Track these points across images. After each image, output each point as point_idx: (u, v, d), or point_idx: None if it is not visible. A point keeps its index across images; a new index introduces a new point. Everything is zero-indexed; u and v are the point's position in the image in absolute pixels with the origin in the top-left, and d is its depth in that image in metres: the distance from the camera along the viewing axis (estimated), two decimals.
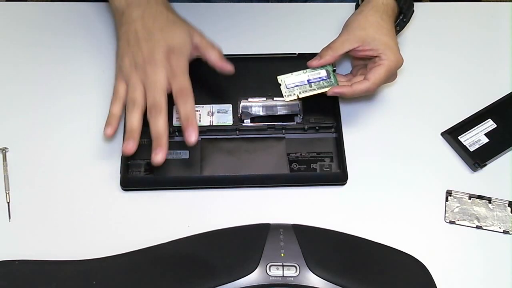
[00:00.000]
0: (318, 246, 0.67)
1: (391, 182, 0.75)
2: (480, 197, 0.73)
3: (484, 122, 0.78)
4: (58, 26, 0.86)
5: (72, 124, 0.78)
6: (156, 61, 0.69)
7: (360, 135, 0.78)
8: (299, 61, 0.79)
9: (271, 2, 0.92)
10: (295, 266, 0.65)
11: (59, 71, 0.82)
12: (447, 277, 0.68)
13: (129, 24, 0.72)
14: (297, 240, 0.66)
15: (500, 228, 0.72)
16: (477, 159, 0.75)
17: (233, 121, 0.77)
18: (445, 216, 0.72)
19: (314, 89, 0.75)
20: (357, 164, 0.75)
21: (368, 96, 0.79)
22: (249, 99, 0.78)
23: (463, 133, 0.77)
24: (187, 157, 0.74)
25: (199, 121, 0.76)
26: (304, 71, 0.77)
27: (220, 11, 0.88)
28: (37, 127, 0.77)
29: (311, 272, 0.64)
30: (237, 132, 0.76)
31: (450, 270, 0.69)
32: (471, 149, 0.76)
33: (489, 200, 0.73)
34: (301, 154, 0.75)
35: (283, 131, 0.76)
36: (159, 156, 0.66)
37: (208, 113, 0.77)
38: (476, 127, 0.78)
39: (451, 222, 0.72)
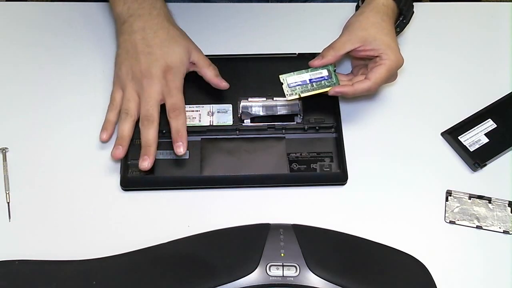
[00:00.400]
0: (318, 246, 0.67)
1: (391, 182, 0.75)
2: (480, 197, 0.73)
3: (484, 122, 0.78)
4: (58, 26, 0.86)
5: (72, 124, 0.78)
6: (153, 76, 0.73)
7: (360, 135, 0.78)
8: (299, 61, 0.79)
9: (271, 2, 0.92)
10: (295, 266, 0.65)
11: (59, 71, 0.82)
12: (447, 277, 0.68)
13: (129, 34, 0.75)
14: (297, 240, 0.66)
15: (500, 228, 0.72)
16: (477, 159, 0.75)
17: (233, 121, 0.77)
18: (445, 216, 0.72)
19: (316, 89, 0.75)
20: (357, 164, 0.75)
21: (368, 96, 0.79)
22: (249, 99, 0.78)
23: (463, 133, 0.77)
24: (187, 157, 0.74)
25: (199, 121, 0.76)
26: (306, 70, 0.77)
27: (220, 11, 0.88)
28: (37, 127, 0.78)
29: (311, 272, 0.64)
30: (237, 132, 0.76)
31: (450, 270, 0.69)
32: (471, 149, 0.76)
33: (489, 200, 0.73)
34: (301, 154, 0.75)
35: (283, 131, 0.76)
36: (145, 163, 0.70)
37: (208, 113, 0.77)
38: (476, 127, 0.78)
39: (451, 222, 0.72)
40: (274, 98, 0.78)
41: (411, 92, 0.82)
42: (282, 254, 0.65)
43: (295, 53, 0.82)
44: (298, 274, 0.64)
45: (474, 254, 0.70)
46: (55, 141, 0.76)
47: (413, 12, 0.81)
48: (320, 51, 0.78)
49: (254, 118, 0.77)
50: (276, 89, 0.77)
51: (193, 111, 0.77)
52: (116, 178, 0.73)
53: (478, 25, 0.88)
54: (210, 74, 0.77)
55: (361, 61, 0.78)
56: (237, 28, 0.86)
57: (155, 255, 0.66)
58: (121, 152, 0.72)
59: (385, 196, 0.74)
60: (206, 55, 0.79)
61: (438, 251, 0.70)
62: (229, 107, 0.78)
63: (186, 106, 0.76)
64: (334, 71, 0.77)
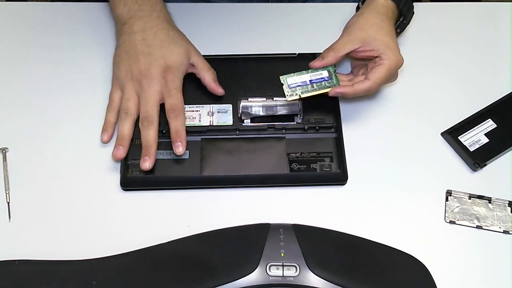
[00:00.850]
0: (318, 246, 0.67)
1: (391, 182, 0.75)
2: (480, 197, 0.73)
3: (484, 122, 0.78)
4: (58, 26, 0.86)
5: (72, 124, 0.78)
6: (152, 76, 0.73)
7: (360, 135, 0.78)
8: (299, 61, 0.79)
9: (271, 2, 0.92)
10: (295, 266, 0.65)
11: (59, 72, 0.82)
12: (447, 277, 0.68)
13: (129, 35, 0.75)
14: (297, 240, 0.66)
15: (500, 228, 0.72)
16: (477, 159, 0.75)
17: (233, 121, 0.77)
18: (445, 216, 0.72)
19: (316, 89, 0.75)
20: (357, 164, 0.75)
21: (368, 95, 0.79)
22: (249, 99, 0.78)
23: (463, 133, 0.77)
24: (187, 157, 0.74)
25: (199, 121, 0.76)
26: (306, 71, 0.77)
27: (220, 11, 0.88)
28: (37, 127, 0.78)
29: (311, 272, 0.64)
30: (237, 132, 0.76)
31: (450, 270, 0.69)
32: (471, 149, 0.76)
33: (489, 200, 0.73)
34: (301, 154, 0.75)
35: (283, 131, 0.76)
36: (146, 163, 0.71)
37: (208, 113, 0.77)
38: (476, 127, 0.78)
39: (451, 222, 0.72)
40: (274, 98, 0.78)
41: (411, 92, 0.82)
42: (282, 254, 0.65)
43: (295, 53, 0.82)
44: (298, 274, 0.64)
45: (474, 254, 0.70)
46: (55, 141, 0.76)
47: (413, 12, 0.81)
48: (320, 51, 0.78)
49: (254, 118, 0.77)
50: (276, 89, 0.77)
51: (193, 111, 0.77)
52: (116, 178, 0.73)
53: (478, 25, 0.88)
54: (209, 78, 0.77)
55: (361, 61, 0.78)
56: (237, 28, 0.86)
57: (155, 255, 0.66)
58: (122, 152, 0.72)
59: (385, 196, 0.74)
60: (206, 55, 0.79)
61: (438, 251, 0.70)
62: (229, 107, 0.78)
63: (186, 106, 0.77)
64: (335, 72, 0.77)
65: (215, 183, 0.74)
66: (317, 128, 0.77)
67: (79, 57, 0.83)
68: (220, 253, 0.66)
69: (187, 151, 0.74)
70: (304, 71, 0.77)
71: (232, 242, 0.67)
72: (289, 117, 0.77)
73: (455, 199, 0.73)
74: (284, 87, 0.76)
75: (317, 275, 0.64)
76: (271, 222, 0.68)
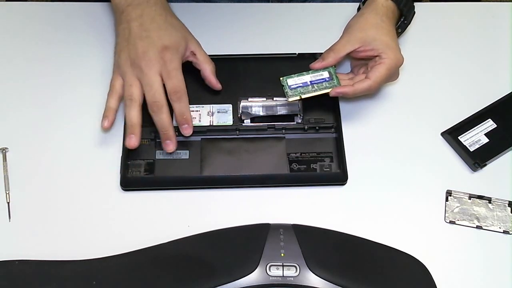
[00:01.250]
0: (318, 246, 0.67)
1: (391, 182, 0.75)
2: (480, 197, 0.73)
3: (484, 122, 0.78)
4: (58, 26, 0.86)
5: (72, 124, 0.78)
6: (151, 58, 0.72)
7: (360, 135, 0.78)
8: (299, 61, 0.79)
9: (271, 2, 0.92)
10: (295, 266, 0.65)
11: (59, 72, 0.82)
12: (447, 277, 0.68)
13: (127, 22, 0.75)
14: (297, 240, 0.66)
15: (500, 228, 0.72)
16: (477, 159, 0.75)
17: (233, 121, 0.77)
18: (445, 216, 0.72)
19: (317, 90, 0.76)
20: (357, 164, 0.75)
21: (368, 95, 0.79)
22: (249, 99, 0.78)
23: (463, 133, 0.77)
24: (187, 157, 0.74)
25: (199, 121, 0.76)
26: (307, 72, 0.77)
27: (220, 11, 0.88)
28: (37, 127, 0.78)
29: (311, 272, 0.64)
30: (237, 132, 0.76)
31: (450, 270, 0.69)
32: (471, 149, 0.76)
33: (489, 200, 0.73)
34: (301, 154, 0.75)
35: (283, 131, 0.76)
36: (170, 146, 0.73)
37: (208, 113, 0.77)
38: (476, 127, 0.78)
39: (451, 222, 0.72)
40: (274, 98, 0.78)
41: (411, 92, 0.82)
42: (282, 254, 0.65)
43: (295, 53, 0.82)
44: (298, 274, 0.64)
45: (474, 254, 0.70)
46: (55, 141, 0.76)
47: (414, 12, 0.81)
48: (320, 51, 0.78)
49: (254, 118, 0.77)
50: (276, 89, 0.77)
51: (193, 111, 0.77)
52: (116, 178, 0.73)
53: (478, 25, 0.88)
54: (209, 70, 0.77)
55: (360, 61, 0.78)
56: (237, 28, 0.86)
57: (155, 255, 0.66)
58: (135, 140, 0.72)
59: (385, 196, 0.74)
60: None
61: (438, 251, 0.70)
62: (229, 107, 0.78)
63: None
64: (335, 72, 0.77)
65: (215, 183, 0.74)
66: (317, 128, 0.77)
67: (79, 57, 0.83)
68: (220, 253, 0.66)
69: (187, 151, 0.74)
70: (304, 72, 0.77)
71: (232, 242, 0.67)
72: (289, 117, 0.77)
73: (455, 199, 0.73)
74: (285, 88, 0.76)
75: (317, 275, 0.64)
76: (271, 222, 0.68)
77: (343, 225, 0.70)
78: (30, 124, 0.78)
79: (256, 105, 0.78)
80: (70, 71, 0.82)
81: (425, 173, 0.75)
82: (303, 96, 0.75)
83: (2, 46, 0.84)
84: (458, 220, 0.72)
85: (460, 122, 0.78)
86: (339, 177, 0.74)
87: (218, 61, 0.79)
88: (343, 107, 0.79)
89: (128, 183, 0.73)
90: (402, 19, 0.80)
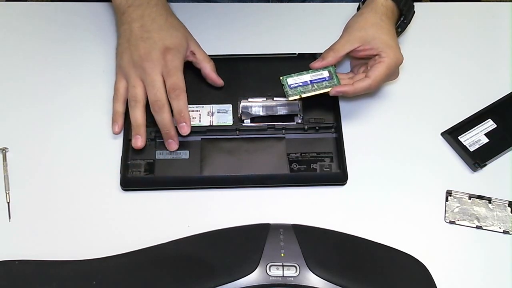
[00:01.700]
0: (318, 246, 0.67)
1: (391, 182, 0.75)
2: (480, 197, 0.73)
3: (484, 122, 0.78)
4: (58, 27, 0.86)
5: (72, 124, 0.78)
6: (153, 59, 0.73)
7: (360, 135, 0.78)
8: (299, 61, 0.79)
9: (271, 2, 0.92)
10: (295, 266, 0.65)
11: (59, 72, 0.82)
12: (447, 277, 0.68)
13: (128, 23, 0.76)
14: (297, 240, 0.66)
15: (500, 228, 0.72)
16: (477, 159, 0.75)
17: (233, 121, 0.77)
18: (445, 216, 0.72)
19: (317, 89, 0.75)
20: (357, 164, 0.75)
21: (368, 95, 0.79)
22: (249, 99, 0.78)
23: (463, 133, 0.77)
24: (187, 157, 0.74)
25: (199, 121, 0.76)
26: (307, 72, 0.77)
27: (220, 11, 0.88)
28: (37, 127, 0.77)
29: (311, 272, 0.64)
30: (237, 132, 0.76)
31: (450, 270, 0.69)
32: (471, 149, 0.76)
33: (489, 200, 0.73)
34: (301, 154, 0.75)
35: (283, 131, 0.76)
36: (172, 145, 0.74)
37: (208, 113, 0.77)
38: (476, 127, 0.78)
39: (451, 222, 0.72)
40: (274, 98, 0.78)
41: (411, 92, 0.81)
42: (282, 254, 0.65)
43: (295, 53, 0.82)
44: (298, 274, 0.64)
45: (474, 254, 0.70)
46: (55, 141, 0.76)
47: (414, 12, 0.81)
48: (320, 51, 0.78)
49: (254, 118, 0.77)
50: (276, 89, 0.77)
51: (193, 111, 0.77)
52: (116, 178, 0.73)
53: (478, 25, 0.88)
54: (209, 68, 0.77)
55: (360, 60, 0.78)
56: (237, 28, 0.86)
57: (155, 255, 0.66)
58: (141, 141, 0.73)
59: (385, 196, 0.74)
60: None
61: (438, 251, 0.70)
62: (229, 107, 0.78)
63: None
64: (335, 72, 0.77)
65: (215, 183, 0.74)
66: (317, 128, 0.77)
67: (79, 57, 0.83)
68: (220, 253, 0.66)
69: (187, 151, 0.74)
70: (304, 72, 0.77)
71: (232, 242, 0.67)
72: (289, 117, 0.77)
73: (455, 199, 0.73)
74: (285, 87, 0.76)
75: (317, 275, 0.64)
76: (271, 222, 0.68)
77: (343, 225, 0.70)
78: (30, 124, 0.78)
79: (256, 105, 0.78)
80: (70, 71, 0.82)
81: (425, 173, 0.75)
82: (303, 96, 0.75)
83: (2, 46, 0.84)
84: (458, 220, 0.72)
85: (460, 122, 0.78)
86: (339, 177, 0.74)
87: (218, 61, 0.79)
88: (343, 107, 0.79)
89: (128, 183, 0.73)
90: (401, 19, 0.80)
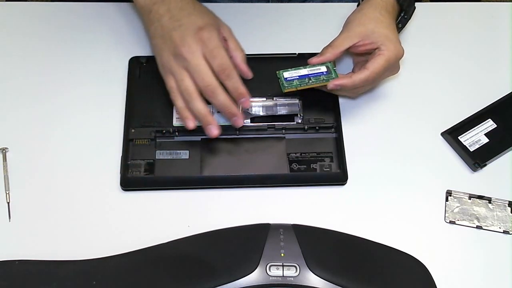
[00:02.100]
0: (318, 246, 0.67)
1: (391, 182, 0.75)
2: (480, 197, 0.73)
3: (484, 122, 0.78)
4: (58, 26, 0.86)
5: (72, 124, 0.78)
6: (189, 43, 0.70)
7: (360, 135, 0.78)
8: (299, 61, 0.79)
9: (271, 2, 0.92)
10: (295, 266, 0.65)
11: (59, 72, 0.82)
12: (447, 277, 0.68)
13: (158, 20, 0.74)
14: (297, 240, 0.66)
15: (500, 228, 0.72)
16: (477, 159, 0.75)
17: None
18: (445, 216, 0.72)
19: (314, 83, 0.74)
20: (357, 164, 0.75)
21: (369, 94, 0.79)
22: (249, 99, 0.78)
23: (463, 133, 0.77)
24: (187, 157, 0.74)
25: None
26: (304, 67, 0.75)
27: (220, 11, 0.88)
28: (37, 127, 0.78)
29: (311, 272, 0.64)
30: (237, 132, 0.76)
31: (450, 270, 0.69)
32: (471, 149, 0.76)
33: (489, 200, 0.73)
34: (301, 154, 0.75)
35: (283, 131, 0.76)
36: (239, 121, 0.72)
37: None
38: (476, 127, 0.78)
39: (451, 222, 0.72)
40: (274, 98, 0.78)
41: (411, 92, 0.82)
42: (282, 254, 0.65)
43: (295, 53, 0.82)
44: (298, 274, 0.64)
45: (474, 254, 0.70)
46: (55, 141, 0.76)
47: (414, 8, 0.80)
48: (320, 51, 0.78)
49: (254, 118, 0.77)
50: (276, 89, 0.77)
51: None
52: (116, 178, 0.73)
53: (478, 25, 0.88)
54: (240, 58, 0.74)
55: (362, 57, 0.78)
56: (237, 28, 0.86)
57: (155, 255, 0.66)
58: (215, 129, 0.71)
59: (385, 196, 0.74)
60: None
61: (438, 251, 0.70)
62: None
63: None
64: (333, 68, 0.76)
65: (215, 183, 0.74)
66: (317, 128, 0.77)
67: (79, 57, 0.83)
68: (220, 253, 0.66)
69: (187, 151, 0.74)
70: (301, 67, 0.75)
71: (232, 242, 0.67)
72: (289, 117, 0.77)
73: (455, 199, 0.73)
74: (280, 80, 0.75)
75: (317, 275, 0.64)
76: (271, 222, 0.68)
77: (343, 225, 0.70)
78: (30, 124, 0.78)
79: (256, 105, 0.78)
80: (70, 71, 0.82)
81: (425, 173, 0.75)
82: (299, 88, 0.74)
83: (1, 46, 0.84)
84: (458, 220, 0.72)
85: (460, 122, 0.78)
86: (339, 177, 0.74)
87: None
88: (343, 107, 0.79)
89: (128, 183, 0.73)
90: (402, 14, 0.79)
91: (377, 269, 0.67)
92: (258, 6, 0.89)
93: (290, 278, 0.64)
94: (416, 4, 0.81)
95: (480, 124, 0.78)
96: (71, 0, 0.89)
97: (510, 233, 0.71)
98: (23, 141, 0.76)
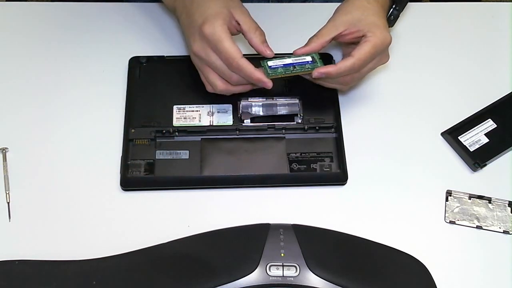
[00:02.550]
0: (318, 246, 0.67)
1: (391, 182, 0.75)
2: (480, 197, 0.73)
3: (484, 122, 0.78)
4: (58, 26, 0.86)
5: (72, 124, 0.78)
6: (197, 41, 0.71)
7: (360, 135, 0.78)
8: None
9: (271, 2, 0.92)
10: (295, 266, 0.65)
11: (59, 72, 0.82)
12: (447, 277, 0.68)
13: (179, 18, 0.75)
14: (297, 240, 0.66)
15: (500, 228, 0.72)
16: (477, 159, 0.75)
17: (233, 121, 0.77)
18: (445, 216, 0.72)
19: (298, 71, 0.73)
20: (357, 164, 0.75)
21: (368, 94, 0.79)
22: (249, 99, 0.78)
23: (463, 133, 0.77)
24: (187, 157, 0.74)
25: (199, 121, 0.76)
26: (289, 56, 0.74)
27: None
28: (37, 127, 0.78)
29: (311, 272, 0.64)
30: (237, 132, 0.76)
31: (450, 270, 0.69)
32: (471, 149, 0.76)
33: (489, 200, 0.73)
34: (301, 154, 0.75)
35: (283, 131, 0.76)
36: (268, 84, 0.71)
37: (208, 113, 0.77)
38: (476, 127, 0.78)
39: (451, 222, 0.72)
40: (274, 98, 0.78)
41: (411, 92, 0.82)
42: (282, 254, 0.65)
43: None
44: (298, 274, 0.64)
45: (474, 254, 0.70)
46: (55, 141, 0.76)
47: (407, 1, 0.78)
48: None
49: (254, 118, 0.77)
50: (276, 89, 0.77)
51: (193, 111, 0.77)
52: (116, 178, 0.73)
53: (478, 25, 0.88)
54: (256, 40, 0.73)
55: (350, 48, 0.76)
56: None
57: (155, 255, 0.66)
58: (268, 81, 0.71)
59: (385, 196, 0.74)
60: None
61: (438, 251, 0.70)
62: (229, 107, 0.78)
63: (186, 106, 0.77)
64: (319, 58, 0.74)
65: (215, 183, 0.74)
66: (317, 128, 0.77)
67: (79, 57, 0.83)
68: (220, 253, 0.66)
69: (187, 151, 0.74)
70: (286, 56, 0.74)
71: (232, 242, 0.67)
72: (289, 117, 0.77)
73: (455, 199, 0.73)
74: (265, 68, 0.73)
75: (317, 275, 0.64)
76: (271, 222, 0.68)
77: (343, 225, 0.70)
78: (30, 124, 0.78)
79: (256, 105, 0.78)
80: (70, 71, 0.82)
81: (425, 173, 0.75)
82: (284, 76, 0.73)
83: (1, 46, 0.84)
84: (458, 220, 0.72)
85: (460, 122, 0.78)
86: (339, 177, 0.74)
87: None
88: (343, 107, 0.79)
89: (128, 183, 0.73)
90: (394, 6, 0.77)
91: (377, 269, 0.67)
92: (258, 6, 0.89)
93: (290, 278, 0.64)
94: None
95: (480, 124, 0.78)
96: (71, 0, 0.89)
97: (510, 233, 0.71)
98: (23, 141, 0.76)
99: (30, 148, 0.76)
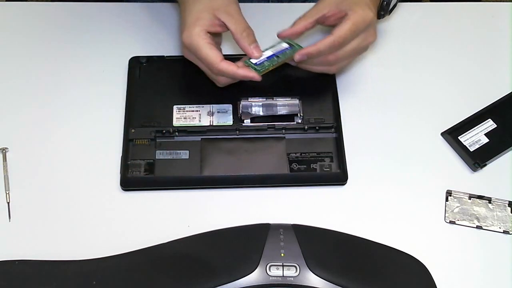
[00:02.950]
0: (318, 246, 0.67)
1: (391, 182, 0.75)
2: (480, 197, 0.73)
3: (484, 122, 0.78)
4: (58, 27, 0.86)
5: (72, 124, 0.78)
6: (183, 49, 0.74)
7: (360, 135, 0.78)
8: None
9: (271, 2, 0.92)
10: (295, 266, 0.65)
11: (59, 72, 0.82)
12: (447, 277, 0.68)
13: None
14: (297, 240, 0.66)
15: (500, 228, 0.72)
16: (477, 159, 0.75)
17: (233, 121, 0.77)
18: (445, 216, 0.72)
19: (282, 59, 0.74)
20: (357, 164, 0.75)
21: (368, 94, 0.79)
22: (249, 99, 0.78)
23: (463, 133, 0.77)
24: (187, 157, 0.74)
25: (199, 121, 0.76)
26: (266, 48, 0.75)
27: None
28: (37, 127, 0.78)
29: (311, 272, 0.64)
30: (237, 132, 0.76)
31: (450, 270, 0.69)
32: (471, 149, 0.76)
33: (489, 200, 0.73)
34: (301, 154, 0.75)
35: (283, 131, 0.76)
36: (256, 77, 0.72)
37: (208, 113, 0.77)
38: (476, 127, 0.78)
39: (451, 222, 0.72)
40: (274, 98, 0.78)
41: (411, 92, 0.82)
42: (282, 254, 0.65)
43: None
44: (298, 274, 0.64)
45: (474, 254, 0.70)
46: (55, 141, 0.76)
47: None
48: None
49: (254, 118, 0.77)
50: (276, 89, 0.77)
51: (193, 111, 0.77)
52: (116, 178, 0.73)
53: (478, 25, 0.88)
54: (243, 42, 0.73)
55: None
56: None
57: (155, 255, 0.66)
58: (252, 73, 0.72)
59: (385, 196, 0.74)
60: None
61: (438, 251, 0.70)
62: (229, 107, 0.78)
63: (186, 106, 0.77)
64: (294, 42, 0.75)
65: (215, 183, 0.74)
66: (317, 128, 0.77)
67: (79, 57, 0.83)
68: (220, 253, 0.66)
69: (187, 151, 0.74)
70: (263, 49, 0.75)
71: (232, 242, 0.67)
72: (289, 117, 0.77)
73: (455, 199, 0.73)
74: (251, 67, 0.73)
75: (317, 275, 0.64)
76: (271, 222, 0.68)
77: (343, 225, 0.70)
78: (30, 124, 0.78)
79: (256, 105, 0.78)
80: (70, 71, 0.82)
81: (425, 173, 0.75)
82: (272, 68, 0.73)
83: (1, 46, 0.84)
84: (458, 220, 0.72)
85: (460, 122, 0.78)
86: (339, 177, 0.74)
87: None
88: (343, 107, 0.79)
89: (128, 183, 0.73)
90: (381, 0, 0.77)
91: (377, 269, 0.67)
92: (258, 6, 0.89)
93: (290, 278, 0.64)
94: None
95: (480, 124, 0.78)
96: (71, 0, 0.89)
97: (510, 233, 0.71)
98: (23, 141, 0.76)
99: (30, 148, 0.76)
